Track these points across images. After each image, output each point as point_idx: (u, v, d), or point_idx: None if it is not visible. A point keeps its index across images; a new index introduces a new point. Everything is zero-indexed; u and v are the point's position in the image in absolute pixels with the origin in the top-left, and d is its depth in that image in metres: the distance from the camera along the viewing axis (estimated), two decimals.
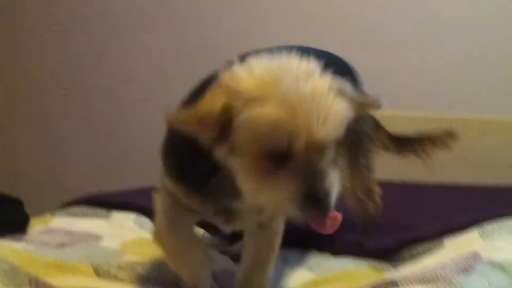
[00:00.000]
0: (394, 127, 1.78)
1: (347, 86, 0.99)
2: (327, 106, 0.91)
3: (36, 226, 1.66)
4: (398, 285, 1.19)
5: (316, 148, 0.91)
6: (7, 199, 2.03)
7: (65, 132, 2.68)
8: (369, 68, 2.38)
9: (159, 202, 1.19)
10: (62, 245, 1.47)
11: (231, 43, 2.57)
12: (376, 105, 1.04)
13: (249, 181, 0.94)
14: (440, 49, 2.49)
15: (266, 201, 0.94)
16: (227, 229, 1.19)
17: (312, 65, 0.96)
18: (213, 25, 2.64)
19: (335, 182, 0.94)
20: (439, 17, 2.50)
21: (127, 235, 1.63)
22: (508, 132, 2.41)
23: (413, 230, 1.57)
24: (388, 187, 1.94)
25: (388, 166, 2.10)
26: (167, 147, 1.11)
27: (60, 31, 2.74)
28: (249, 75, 0.94)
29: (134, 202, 1.82)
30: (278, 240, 1.23)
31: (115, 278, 1.28)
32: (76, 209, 1.81)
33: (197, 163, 1.01)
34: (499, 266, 1.18)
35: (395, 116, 2.15)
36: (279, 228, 1.22)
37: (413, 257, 1.45)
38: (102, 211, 1.81)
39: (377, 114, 1.57)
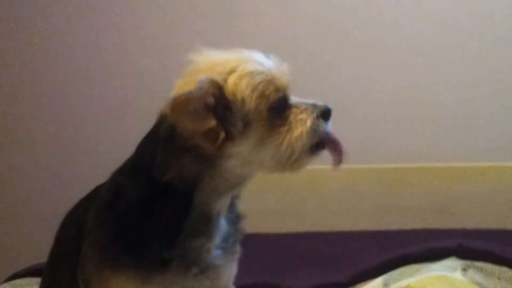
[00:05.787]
0: None
1: None
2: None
3: None
4: None
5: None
6: None
7: (10, 207, 2.71)
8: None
9: None
10: None
11: None
12: None
13: (268, 145, 0.99)
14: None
15: (286, 153, 0.99)
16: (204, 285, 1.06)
17: None
18: None
19: None
20: None
21: None
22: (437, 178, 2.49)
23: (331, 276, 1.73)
24: (318, 236, 2.12)
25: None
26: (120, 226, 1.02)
27: None
28: (208, 59, 1.01)
29: None
30: None
31: None
32: (19, 281, 1.89)
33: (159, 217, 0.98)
34: None
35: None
36: None
37: None
38: None
39: None
